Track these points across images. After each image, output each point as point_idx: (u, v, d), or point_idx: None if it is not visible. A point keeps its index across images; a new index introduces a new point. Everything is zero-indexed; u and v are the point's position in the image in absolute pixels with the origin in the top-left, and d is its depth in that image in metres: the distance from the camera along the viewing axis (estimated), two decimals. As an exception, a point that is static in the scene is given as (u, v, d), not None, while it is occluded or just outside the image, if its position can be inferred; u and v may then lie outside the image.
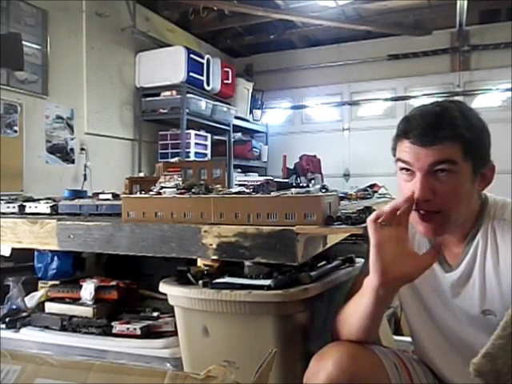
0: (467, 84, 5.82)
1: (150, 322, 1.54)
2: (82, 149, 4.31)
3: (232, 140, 5.73)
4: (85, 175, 4.25)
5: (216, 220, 1.32)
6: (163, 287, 1.38)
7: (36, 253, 1.79)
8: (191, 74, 4.82)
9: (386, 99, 6.20)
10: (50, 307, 1.68)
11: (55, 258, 1.76)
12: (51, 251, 1.72)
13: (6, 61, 3.46)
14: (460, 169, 0.97)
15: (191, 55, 4.85)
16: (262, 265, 1.31)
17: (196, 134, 5.06)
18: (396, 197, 2.48)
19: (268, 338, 1.23)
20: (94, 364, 0.83)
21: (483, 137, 1.02)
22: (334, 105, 6.52)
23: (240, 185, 1.71)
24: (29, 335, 1.62)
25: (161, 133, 5.16)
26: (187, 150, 4.89)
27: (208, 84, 5.11)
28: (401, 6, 5.34)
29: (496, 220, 1.02)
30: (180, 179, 1.73)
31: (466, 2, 4.65)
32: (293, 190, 1.42)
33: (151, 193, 1.54)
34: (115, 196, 1.88)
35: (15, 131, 3.70)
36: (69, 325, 1.61)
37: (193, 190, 1.49)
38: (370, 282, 0.97)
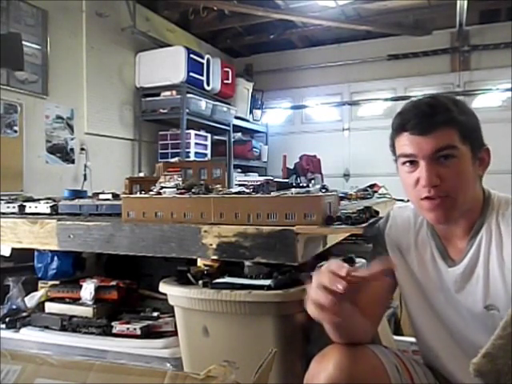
0: (467, 84, 5.82)
1: (150, 322, 1.54)
2: (82, 149, 4.31)
3: (232, 140, 5.73)
4: (85, 175, 4.25)
5: (216, 220, 1.32)
6: (163, 287, 1.38)
7: (36, 253, 1.79)
8: (191, 74, 4.81)
9: (386, 99, 6.20)
10: (50, 307, 1.68)
11: (55, 258, 1.76)
12: (51, 251, 1.72)
13: (6, 61, 3.46)
14: (460, 152, 1.00)
15: (191, 55, 4.85)
16: (262, 265, 1.31)
17: (196, 134, 5.06)
18: (396, 197, 2.48)
19: (268, 338, 1.23)
20: (94, 364, 0.83)
21: (475, 122, 1.05)
22: (334, 105, 6.52)
23: (240, 185, 1.71)
24: (29, 335, 1.62)
25: (161, 133, 5.16)
26: (187, 150, 4.88)
27: (208, 84, 5.11)
28: (401, 6, 5.34)
29: (500, 215, 1.03)
30: (180, 179, 1.73)
31: (465, 2, 4.65)
32: (293, 189, 1.42)
33: (151, 193, 1.54)
34: (115, 196, 1.88)
35: (15, 131, 3.70)
36: (69, 325, 1.61)
37: (193, 190, 1.49)
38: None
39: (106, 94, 4.61)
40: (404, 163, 1.04)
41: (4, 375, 0.82)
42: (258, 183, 1.53)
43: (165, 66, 4.82)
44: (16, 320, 1.67)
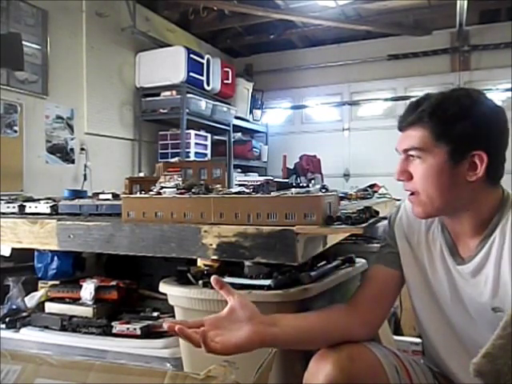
0: (467, 84, 5.82)
1: (150, 322, 1.54)
2: (82, 149, 4.31)
3: (232, 140, 5.74)
4: (85, 175, 4.25)
5: (216, 220, 1.31)
6: (163, 287, 1.38)
7: (36, 253, 1.79)
8: (191, 74, 4.82)
9: (386, 99, 6.20)
10: (50, 307, 1.68)
11: (55, 258, 1.76)
12: (51, 251, 1.72)
13: (6, 61, 3.46)
14: (428, 154, 1.00)
15: (191, 55, 4.85)
16: (262, 265, 1.31)
17: (196, 134, 5.06)
18: (396, 197, 2.48)
19: (268, 338, 1.22)
20: (94, 364, 0.83)
21: (466, 123, 0.98)
22: (334, 105, 6.52)
23: (240, 185, 1.71)
24: (29, 335, 1.62)
25: (161, 133, 5.16)
26: (187, 150, 4.89)
27: (208, 84, 5.11)
28: (401, 6, 5.34)
29: None
30: (180, 179, 1.73)
31: (465, 2, 4.65)
32: (293, 189, 1.42)
33: (151, 193, 1.54)
34: (115, 196, 1.88)
35: (15, 131, 3.70)
36: (69, 325, 1.61)
37: (193, 190, 1.49)
38: None
39: (106, 94, 4.61)
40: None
41: (4, 375, 0.82)
42: (258, 183, 1.53)
43: (165, 66, 4.82)
44: (16, 320, 1.67)
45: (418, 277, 1.14)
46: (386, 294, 1.15)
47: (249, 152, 6.07)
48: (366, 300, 1.13)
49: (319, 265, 1.42)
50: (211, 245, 1.28)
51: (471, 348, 1.03)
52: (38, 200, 1.89)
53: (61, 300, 1.68)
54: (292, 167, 5.39)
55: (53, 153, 4.05)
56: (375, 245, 1.92)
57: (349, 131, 6.37)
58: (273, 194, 1.36)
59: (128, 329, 1.51)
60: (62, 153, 4.15)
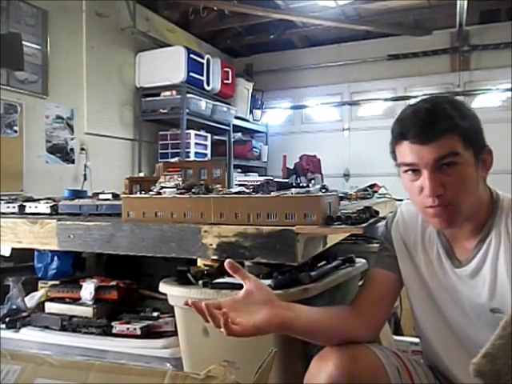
0: (467, 84, 5.83)
1: (149, 322, 1.54)
2: (82, 149, 4.31)
3: (232, 140, 5.73)
4: (85, 175, 4.25)
5: (216, 220, 1.32)
6: (163, 287, 1.38)
7: (36, 253, 1.79)
8: (191, 74, 4.81)
9: (386, 99, 6.20)
10: (50, 307, 1.68)
11: (55, 258, 1.76)
12: (51, 251, 1.72)
13: (6, 61, 3.46)
14: (463, 159, 0.98)
15: (191, 55, 4.85)
16: (262, 265, 1.31)
17: (196, 134, 5.06)
18: (396, 197, 2.48)
19: (268, 338, 1.23)
20: (94, 364, 0.83)
21: (477, 123, 1.03)
22: (334, 105, 6.52)
23: (240, 185, 1.71)
24: (29, 335, 1.62)
25: (161, 133, 5.16)
26: (187, 150, 4.88)
27: (208, 84, 5.11)
28: (401, 6, 5.34)
29: (510, 219, 1.02)
30: (180, 179, 1.73)
31: (465, 2, 4.64)
32: (293, 189, 1.42)
33: (151, 193, 1.54)
34: (115, 196, 1.88)
35: (15, 131, 3.70)
36: (69, 325, 1.61)
37: (193, 190, 1.49)
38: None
39: (106, 94, 4.61)
40: (406, 171, 1.02)
41: (4, 375, 0.82)
42: (258, 183, 1.53)
43: (165, 66, 4.82)
44: (16, 320, 1.67)
45: (415, 280, 1.14)
46: (385, 296, 1.16)
47: (249, 152, 6.07)
48: (367, 303, 1.14)
49: (319, 265, 1.42)
50: (211, 245, 1.28)
51: (470, 348, 1.03)
52: (38, 200, 1.89)
53: (61, 300, 1.68)
54: (292, 167, 5.39)
55: (53, 153, 4.05)
56: (375, 245, 1.92)
57: (349, 131, 6.37)
58: (273, 194, 1.36)
59: (128, 329, 1.51)
60: (62, 153, 4.15)
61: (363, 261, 1.56)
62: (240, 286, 1.26)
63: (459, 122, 0.97)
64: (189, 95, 4.79)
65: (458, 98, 5.70)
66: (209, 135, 5.33)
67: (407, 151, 1.00)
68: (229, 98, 5.67)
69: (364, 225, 1.21)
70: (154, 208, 1.42)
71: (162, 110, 4.88)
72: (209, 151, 5.31)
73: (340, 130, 6.42)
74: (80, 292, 1.63)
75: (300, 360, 1.21)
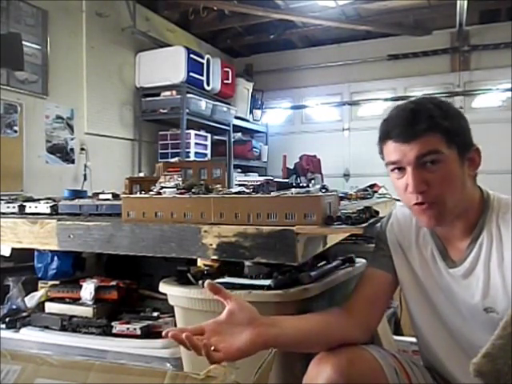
0: (467, 84, 5.82)
1: (149, 322, 1.54)
2: (82, 149, 4.31)
3: (232, 140, 5.73)
4: (85, 175, 4.25)
5: (216, 220, 1.32)
6: (163, 287, 1.38)
7: (36, 253, 1.79)
8: (191, 74, 4.81)
9: (386, 99, 6.19)
10: (50, 307, 1.68)
11: (55, 258, 1.76)
12: (51, 251, 1.72)
13: (6, 61, 3.46)
14: (446, 157, 1.00)
15: (191, 55, 4.85)
16: (262, 265, 1.31)
17: (196, 134, 5.06)
18: (395, 197, 2.48)
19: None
20: (94, 364, 0.83)
21: (461, 123, 1.05)
22: (334, 105, 6.52)
23: (240, 185, 1.71)
24: (29, 335, 1.62)
25: (161, 133, 5.15)
26: (187, 150, 4.88)
27: (208, 84, 5.11)
28: (401, 6, 5.34)
29: (501, 218, 1.04)
30: (180, 179, 1.73)
31: (465, 2, 4.64)
32: (293, 189, 1.42)
33: (151, 193, 1.54)
34: (115, 196, 1.88)
35: (15, 131, 3.70)
36: (69, 325, 1.61)
37: (193, 190, 1.49)
38: None
39: (106, 94, 4.61)
40: (393, 170, 1.05)
41: (4, 375, 0.82)
42: (258, 183, 1.53)
43: (165, 66, 4.82)
44: (16, 320, 1.67)
45: (411, 280, 1.15)
46: (379, 296, 1.16)
47: (249, 152, 6.07)
48: (360, 303, 1.14)
49: (319, 265, 1.42)
50: (211, 245, 1.28)
51: (467, 348, 1.04)
52: (38, 200, 1.89)
53: (61, 300, 1.68)
54: (292, 167, 5.39)
55: (53, 153, 4.05)
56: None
57: (349, 131, 6.37)
58: (273, 194, 1.36)
59: (128, 329, 1.51)
60: (62, 153, 4.15)
61: (363, 261, 1.56)
62: (240, 287, 1.26)
63: (441, 121, 1.00)
64: (189, 95, 4.79)
65: (458, 98, 5.73)
66: (209, 135, 5.33)
67: (391, 150, 1.04)
68: (229, 97, 5.67)
69: (364, 225, 1.21)
70: (154, 208, 1.42)
71: (161, 110, 4.88)
72: (209, 151, 5.31)
73: (340, 130, 6.42)
74: (80, 292, 1.63)
75: (300, 360, 1.21)
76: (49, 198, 1.93)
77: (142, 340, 1.49)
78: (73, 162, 4.24)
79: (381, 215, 1.35)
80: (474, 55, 5.79)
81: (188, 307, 1.33)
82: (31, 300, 1.75)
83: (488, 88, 5.72)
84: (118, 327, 1.54)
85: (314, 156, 5.68)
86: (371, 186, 2.58)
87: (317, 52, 6.48)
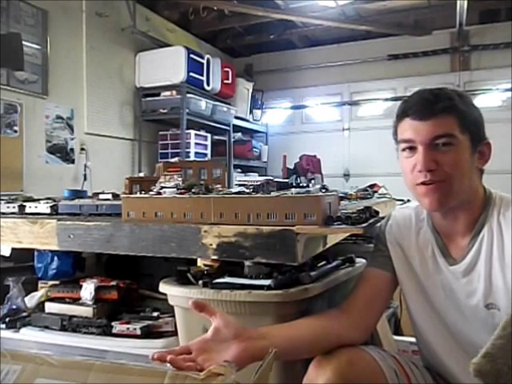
0: (467, 84, 5.82)
1: (149, 322, 1.54)
2: (82, 149, 4.31)
3: (232, 140, 5.73)
4: (85, 175, 4.25)
5: (216, 220, 1.31)
6: (163, 287, 1.38)
7: (36, 253, 1.79)
8: (191, 73, 4.81)
9: (386, 99, 6.19)
10: (50, 307, 1.68)
11: (55, 258, 1.76)
12: (51, 251, 1.72)
13: (6, 61, 3.46)
14: (458, 141, 1.02)
15: (191, 55, 4.85)
16: (261, 265, 1.31)
17: (196, 134, 5.06)
18: (395, 196, 2.48)
19: (268, 338, 1.23)
20: (94, 364, 0.83)
21: (477, 113, 1.07)
22: (334, 105, 6.52)
23: (240, 185, 1.71)
24: (29, 335, 1.62)
25: (161, 133, 5.16)
26: (187, 150, 4.88)
27: (208, 84, 5.11)
28: (401, 6, 5.34)
29: (502, 215, 1.04)
30: (180, 179, 1.73)
31: (465, 2, 4.65)
32: (293, 190, 1.42)
33: (151, 193, 1.54)
34: (115, 196, 1.88)
35: (15, 131, 3.70)
36: (69, 325, 1.61)
37: (193, 190, 1.49)
38: None
39: (106, 94, 4.61)
40: (404, 149, 1.06)
41: (4, 375, 0.82)
42: (258, 183, 1.53)
43: (165, 66, 4.82)
44: (16, 320, 1.67)
45: (411, 280, 1.15)
46: (378, 295, 1.16)
47: (249, 152, 6.07)
48: (359, 303, 1.14)
49: (319, 265, 1.42)
50: (211, 245, 1.28)
51: (467, 347, 1.04)
52: (38, 200, 1.88)
53: (61, 300, 1.68)
54: (292, 167, 5.39)
55: (53, 153, 4.05)
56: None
57: (349, 131, 6.37)
58: (273, 194, 1.36)
59: (128, 329, 1.51)
60: (62, 153, 4.15)
61: (363, 261, 1.56)
62: (240, 287, 1.26)
63: (459, 105, 1.02)
64: (189, 95, 4.79)
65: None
66: (209, 135, 5.33)
67: (407, 127, 1.05)
68: (229, 98, 5.67)
69: (364, 225, 1.21)
70: (154, 208, 1.42)
71: (162, 110, 4.88)
72: (209, 151, 5.31)
73: (340, 130, 6.42)
74: (80, 292, 1.63)
75: (300, 360, 1.21)
76: (49, 198, 1.93)
77: (142, 340, 1.49)
78: (73, 162, 4.24)
79: (381, 215, 1.35)
80: (474, 55, 5.79)
81: (188, 307, 1.32)
82: (31, 300, 1.75)
83: (488, 88, 5.72)
84: (117, 327, 1.54)
85: (314, 156, 5.68)
86: (371, 186, 2.58)
87: (317, 52, 6.48)
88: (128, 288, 1.68)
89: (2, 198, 2.06)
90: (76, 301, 1.65)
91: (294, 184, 1.82)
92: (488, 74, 5.70)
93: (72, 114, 4.23)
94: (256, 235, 1.23)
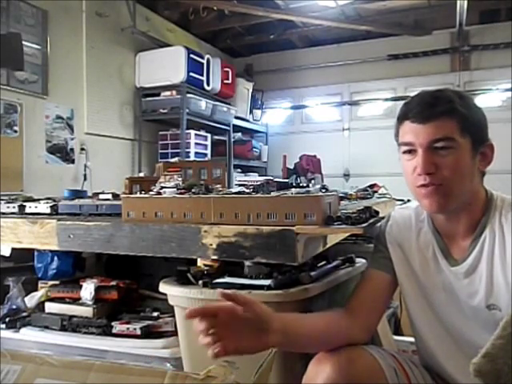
0: (467, 84, 5.82)
1: (149, 322, 1.54)
2: (82, 149, 4.31)
3: (232, 140, 5.73)
4: (85, 175, 4.25)
5: (216, 220, 1.32)
6: (163, 287, 1.38)
7: (36, 253, 1.79)
8: (191, 74, 4.81)
9: (386, 99, 6.19)
10: (50, 307, 1.68)
11: (55, 258, 1.76)
12: (51, 251, 1.72)
13: (6, 61, 3.46)
14: (458, 144, 1.01)
15: (191, 55, 4.85)
16: (261, 265, 1.31)
17: (196, 134, 5.06)
18: (395, 196, 2.48)
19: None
20: (94, 364, 0.83)
21: (479, 115, 1.06)
22: (334, 105, 6.51)
23: (240, 185, 1.71)
24: (29, 335, 1.62)
25: (161, 133, 5.15)
26: (187, 150, 4.88)
27: (208, 84, 5.11)
28: (401, 6, 5.34)
29: (504, 216, 1.05)
30: (180, 179, 1.73)
31: (465, 2, 4.64)
32: (293, 189, 1.42)
33: (151, 193, 1.54)
34: (115, 196, 1.88)
35: (15, 131, 3.70)
36: (69, 325, 1.61)
37: (193, 190, 1.49)
38: None
39: (106, 94, 4.61)
40: (404, 152, 1.06)
41: (4, 375, 0.82)
42: (258, 183, 1.53)
43: (165, 66, 4.81)
44: (16, 320, 1.67)
45: (411, 281, 1.15)
46: (379, 297, 1.17)
47: (249, 152, 6.07)
48: (361, 304, 1.14)
49: (319, 265, 1.42)
50: (211, 245, 1.28)
51: (467, 348, 1.04)
52: (38, 200, 1.89)
53: (61, 300, 1.68)
54: (292, 167, 5.38)
55: (53, 153, 4.05)
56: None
57: (349, 131, 6.37)
58: (273, 194, 1.36)
59: (128, 329, 1.51)
60: (62, 153, 4.15)
61: (363, 261, 1.56)
62: (240, 287, 1.26)
63: (459, 108, 1.01)
64: (189, 95, 4.79)
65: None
66: (209, 135, 5.33)
67: (407, 130, 1.05)
68: (229, 98, 5.67)
69: (364, 225, 1.21)
70: (154, 208, 1.42)
71: (162, 110, 4.88)
72: (209, 151, 5.31)
73: (340, 130, 6.42)
74: (80, 292, 1.63)
75: (300, 360, 1.21)
76: (49, 198, 1.93)
77: (142, 340, 1.49)
78: (73, 162, 4.24)
79: (381, 215, 1.35)
80: (474, 55, 5.79)
81: (188, 307, 1.32)
82: (31, 300, 1.75)
83: (488, 88, 5.72)
84: (117, 327, 1.54)
85: (314, 156, 5.67)
86: (371, 186, 2.58)
87: (317, 52, 6.48)
88: (128, 288, 1.68)
89: (2, 197, 2.06)
90: (76, 301, 1.65)
91: (294, 184, 1.82)
92: (488, 73, 5.69)
93: (72, 114, 4.23)
94: (256, 235, 1.23)
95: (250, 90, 6.10)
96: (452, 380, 1.11)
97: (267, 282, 1.25)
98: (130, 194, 1.80)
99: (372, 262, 1.21)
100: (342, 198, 1.87)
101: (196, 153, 5.01)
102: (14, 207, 1.81)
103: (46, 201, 1.83)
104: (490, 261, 1.03)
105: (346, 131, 6.39)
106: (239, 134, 6.03)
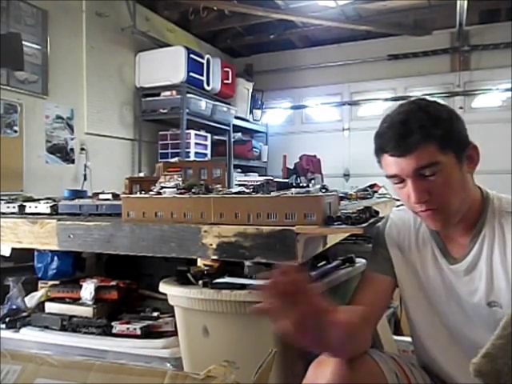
0: (467, 84, 5.82)
1: (149, 322, 1.54)
2: (82, 149, 4.31)
3: (232, 140, 5.73)
4: (85, 175, 4.25)
5: (216, 220, 1.32)
6: (163, 287, 1.38)
7: (36, 253, 1.79)
8: (191, 74, 4.81)
9: (386, 99, 6.19)
10: (50, 307, 1.68)
11: (55, 258, 1.76)
12: (51, 251, 1.72)
13: (6, 61, 3.46)
14: (443, 165, 0.99)
15: (191, 55, 4.85)
16: (261, 265, 1.31)
17: (196, 134, 5.06)
18: (396, 196, 2.48)
19: (268, 338, 1.23)
20: (94, 364, 0.83)
21: (454, 126, 1.03)
22: (334, 105, 6.51)
23: (240, 185, 1.71)
24: (29, 335, 1.63)
25: (161, 133, 5.15)
26: (187, 150, 4.88)
27: (208, 84, 5.11)
28: (401, 6, 5.34)
29: (505, 214, 1.05)
30: (180, 179, 1.73)
31: (465, 2, 4.64)
32: (293, 189, 1.42)
33: (151, 193, 1.54)
34: (115, 196, 1.88)
35: (15, 131, 3.70)
36: (69, 325, 1.61)
37: (193, 190, 1.49)
38: None
39: (106, 94, 4.61)
40: (395, 182, 1.06)
41: (4, 375, 0.82)
42: (258, 183, 1.53)
43: (165, 66, 4.81)
44: (16, 320, 1.67)
45: (411, 281, 1.15)
46: (379, 299, 1.16)
47: (249, 152, 6.07)
48: (362, 306, 1.13)
49: (319, 265, 1.42)
50: (211, 245, 1.28)
51: (466, 348, 1.04)
52: (38, 200, 1.89)
53: (61, 300, 1.69)
54: (292, 167, 5.38)
55: (53, 153, 4.05)
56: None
57: (349, 131, 6.37)
58: (273, 194, 1.36)
59: (128, 329, 1.51)
60: (62, 153, 4.15)
61: (363, 261, 1.56)
62: (240, 287, 1.26)
63: (433, 131, 0.98)
64: (189, 95, 4.79)
65: (458, 98, 5.73)
66: (209, 135, 5.33)
67: (389, 163, 1.04)
68: (229, 98, 5.67)
69: (364, 225, 1.21)
70: (154, 208, 1.42)
71: (162, 110, 4.88)
72: (209, 151, 5.31)
73: (340, 130, 6.42)
74: (80, 292, 1.63)
75: (300, 360, 1.21)
76: (49, 198, 1.93)
77: (142, 340, 1.49)
78: (73, 162, 4.24)
79: (381, 215, 1.35)
80: (474, 55, 5.79)
81: (188, 307, 1.33)
82: (31, 300, 1.75)
83: (488, 88, 5.72)
84: (117, 327, 1.54)
85: (314, 156, 5.67)
86: (371, 186, 2.58)
87: (317, 52, 6.48)
88: (128, 288, 1.68)
89: (2, 197, 2.06)
90: (76, 301, 1.65)
91: (294, 184, 1.82)
92: (488, 73, 5.69)
93: (72, 114, 4.23)
94: (256, 235, 1.23)
95: (250, 90, 6.10)
96: (451, 380, 1.11)
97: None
98: (130, 193, 1.80)
99: (371, 265, 1.21)
100: (341, 198, 1.87)
101: (196, 153, 5.01)
102: (14, 207, 1.81)
103: (45, 201, 1.82)
104: (489, 258, 1.04)
105: (345, 131, 6.39)
106: (239, 134, 6.03)
